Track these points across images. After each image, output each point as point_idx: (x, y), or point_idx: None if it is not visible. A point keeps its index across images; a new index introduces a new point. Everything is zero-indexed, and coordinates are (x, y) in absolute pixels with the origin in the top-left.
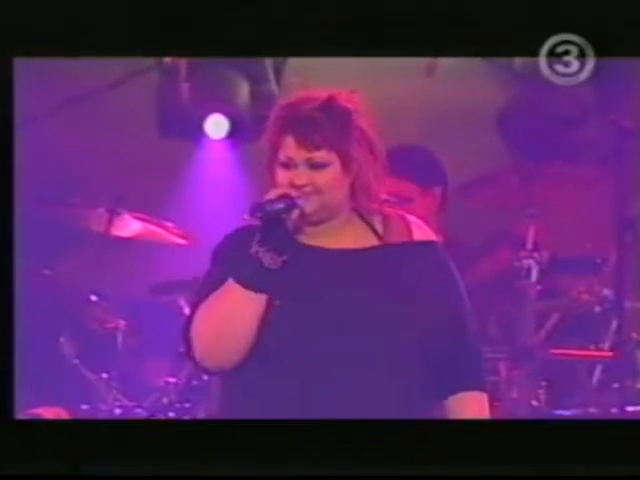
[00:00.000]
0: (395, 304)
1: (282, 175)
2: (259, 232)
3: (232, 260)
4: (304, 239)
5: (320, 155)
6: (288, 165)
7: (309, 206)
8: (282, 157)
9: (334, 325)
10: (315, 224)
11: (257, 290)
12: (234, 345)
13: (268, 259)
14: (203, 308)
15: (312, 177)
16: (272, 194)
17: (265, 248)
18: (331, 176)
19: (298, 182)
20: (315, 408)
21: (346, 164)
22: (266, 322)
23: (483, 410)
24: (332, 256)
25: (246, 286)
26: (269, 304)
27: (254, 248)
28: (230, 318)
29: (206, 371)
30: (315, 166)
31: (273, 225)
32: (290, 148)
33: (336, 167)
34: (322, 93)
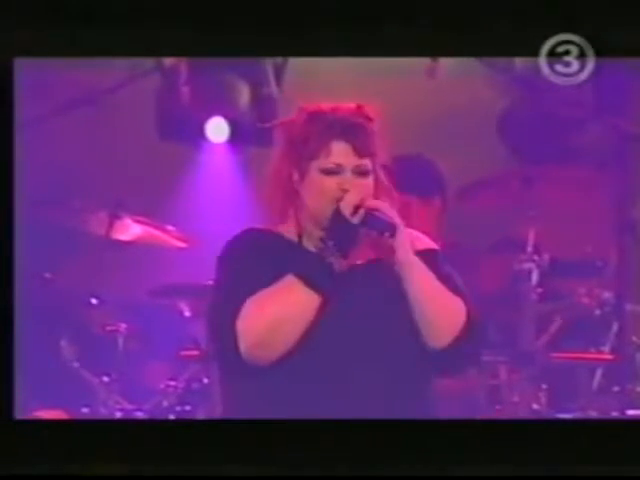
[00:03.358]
0: (389, 312)
1: (327, 181)
2: (330, 234)
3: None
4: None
5: (365, 163)
6: (335, 171)
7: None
8: (328, 163)
9: (343, 335)
10: None
11: (320, 289)
12: (285, 340)
13: (337, 262)
14: (254, 302)
15: (357, 184)
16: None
17: (334, 251)
18: (371, 185)
19: (351, 187)
20: (319, 411)
21: (376, 174)
22: (316, 323)
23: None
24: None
25: (310, 284)
26: (323, 305)
27: (321, 248)
28: (288, 313)
29: (244, 363)
30: (361, 173)
31: (342, 229)
32: (339, 154)
33: (372, 176)
34: (348, 103)
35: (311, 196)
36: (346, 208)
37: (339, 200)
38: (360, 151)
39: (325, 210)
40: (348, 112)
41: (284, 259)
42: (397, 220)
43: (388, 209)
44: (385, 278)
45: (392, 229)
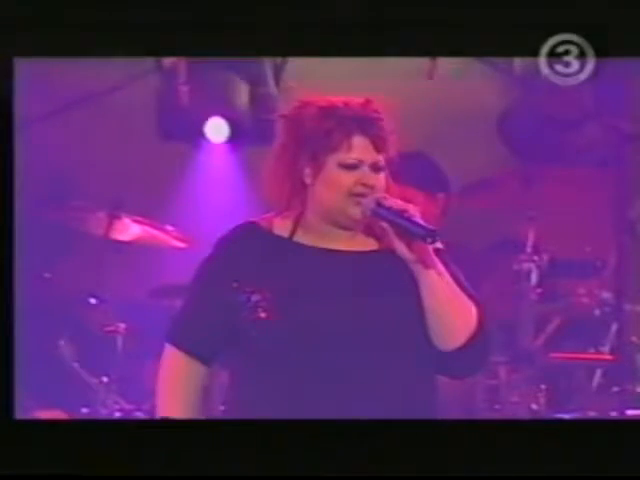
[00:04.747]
0: (387, 302)
1: (345, 176)
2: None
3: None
4: (311, 240)
5: (381, 159)
6: (355, 166)
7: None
8: (349, 158)
9: (332, 326)
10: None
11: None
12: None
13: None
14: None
15: (374, 180)
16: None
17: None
18: (385, 181)
19: (369, 182)
20: (312, 408)
21: (385, 171)
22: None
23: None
24: (327, 256)
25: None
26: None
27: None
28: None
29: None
30: (378, 169)
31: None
32: (360, 149)
33: (385, 172)
34: (357, 97)
35: (326, 190)
36: (370, 204)
37: (358, 195)
38: (378, 146)
39: (340, 204)
40: (360, 107)
41: (271, 256)
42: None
43: (417, 212)
44: (393, 279)
45: (434, 235)
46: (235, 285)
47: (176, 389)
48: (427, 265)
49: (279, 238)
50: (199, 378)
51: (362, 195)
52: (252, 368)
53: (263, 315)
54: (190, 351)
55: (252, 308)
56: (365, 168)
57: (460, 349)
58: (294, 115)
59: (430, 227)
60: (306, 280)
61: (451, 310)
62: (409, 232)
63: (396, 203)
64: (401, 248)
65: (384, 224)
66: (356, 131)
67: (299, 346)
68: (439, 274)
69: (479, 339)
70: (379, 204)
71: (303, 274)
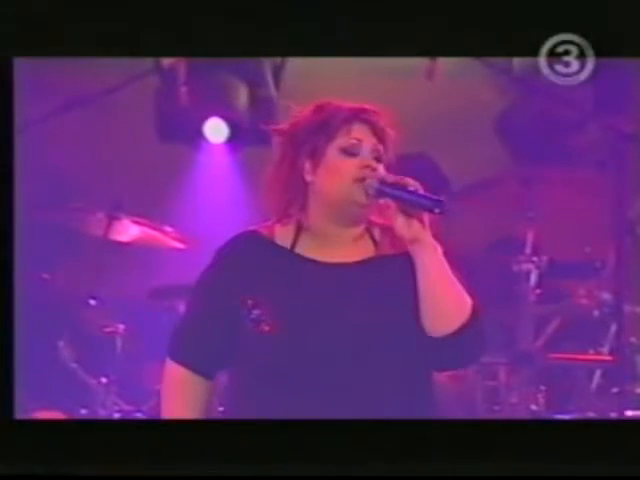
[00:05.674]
0: (388, 314)
1: (347, 162)
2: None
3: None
4: (313, 248)
5: (381, 148)
6: (355, 151)
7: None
8: (350, 140)
9: (335, 339)
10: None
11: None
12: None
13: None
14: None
15: (375, 164)
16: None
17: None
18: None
19: (372, 165)
20: (319, 411)
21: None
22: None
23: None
24: (328, 270)
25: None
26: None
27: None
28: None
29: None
30: (377, 158)
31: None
32: (360, 132)
33: (383, 166)
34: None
35: (330, 179)
36: (374, 184)
37: (363, 180)
38: (377, 134)
39: (345, 193)
40: (356, 103)
41: (273, 269)
42: None
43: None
44: (386, 270)
45: (441, 205)
46: (237, 298)
47: (181, 404)
48: (425, 245)
49: (281, 249)
50: (204, 392)
51: (367, 179)
52: (254, 381)
53: (266, 328)
54: (193, 368)
55: (254, 321)
56: (366, 153)
57: (452, 335)
58: (289, 128)
59: (436, 197)
60: (308, 293)
61: (446, 293)
62: (416, 205)
63: (399, 179)
64: (401, 227)
65: (389, 201)
66: (354, 119)
67: (302, 359)
68: (437, 256)
69: (472, 328)
70: (382, 182)
71: (305, 287)
